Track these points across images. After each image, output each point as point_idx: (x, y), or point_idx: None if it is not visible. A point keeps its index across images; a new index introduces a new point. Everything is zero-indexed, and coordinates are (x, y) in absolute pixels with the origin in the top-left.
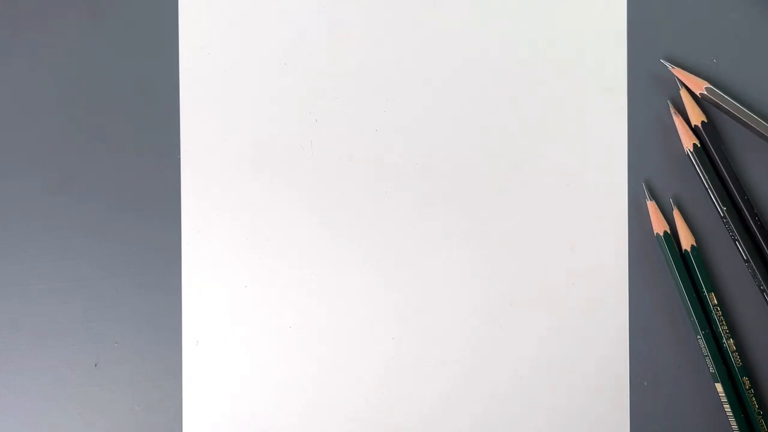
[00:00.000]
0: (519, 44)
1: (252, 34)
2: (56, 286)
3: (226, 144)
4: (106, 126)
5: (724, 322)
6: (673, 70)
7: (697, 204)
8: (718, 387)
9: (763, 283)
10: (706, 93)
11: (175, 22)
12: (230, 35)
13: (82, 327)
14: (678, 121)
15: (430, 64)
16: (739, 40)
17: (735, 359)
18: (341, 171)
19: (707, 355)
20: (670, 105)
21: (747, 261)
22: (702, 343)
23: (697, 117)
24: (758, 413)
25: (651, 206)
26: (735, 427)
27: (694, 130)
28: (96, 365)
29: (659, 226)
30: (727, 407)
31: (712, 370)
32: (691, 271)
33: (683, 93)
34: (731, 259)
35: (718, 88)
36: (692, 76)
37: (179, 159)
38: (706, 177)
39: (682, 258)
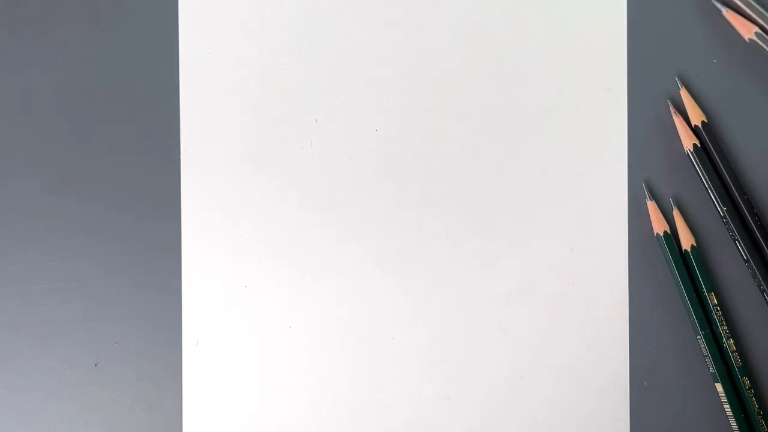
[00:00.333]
0: (519, 44)
1: (252, 34)
2: (56, 286)
3: (226, 144)
4: (106, 126)
5: (724, 322)
6: (727, 15)
7: (697, 204)
8: (718, 387)
9: (763, 283)
10: (755, 38)
11: (175, 22)
12: (230, 35)
13: (82, 327)
14: (678, 121)
15: (430, 64)
16: (738, 40)
17: (735, 359)
18: (341, 171)
19: (707, 355)
20: (670, 105)
21: (747, 261)
22: (702, 343)
23: (697, 117)
24: (758, 413)
25: (651, 206)
26: (735, 427)
27: (694, 130)
28: (96, 365)
29: (659, 226)
30: (727, 407)
31: (712, 370)
32: (691, 271)
33: (683, 93)
34: (731, 259)
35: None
36: (743, 19)
37: (179, 159)
38: (706, 177)
39: (682, 258)
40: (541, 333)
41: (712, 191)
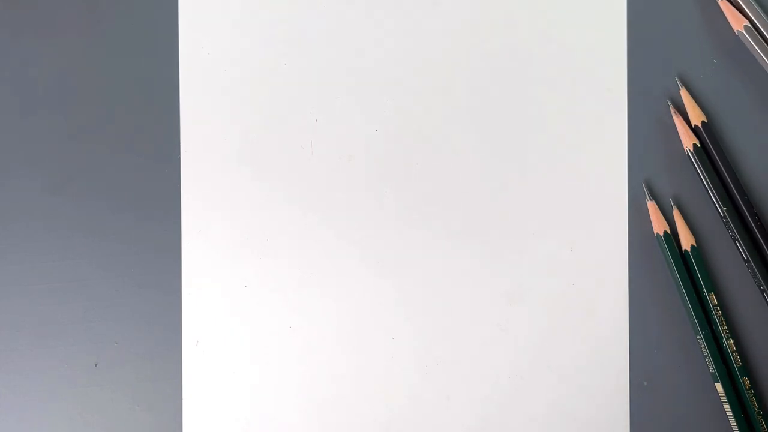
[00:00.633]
0: (519, 44)
1: (252, 34)
2: (56, 286)
3: (226, 144)
4: (106, 126)
5: (724, 322)
6: (721, 3)
7: (697, 204)
8: (718, 387)
9: (763, 283)
10: (743, 31)
11: (175, 22)
12: (230, 35)
13: (82, 327)
14: (678, 121)
15: (430, 64)
16: (738, 42)
17: (735, 359)
18: (341, 171)
19: (707, 355)
20: (670, 105)
21: (747, 261)
22: (702, 343)
23: (697, 117)
24: (758, 413)
25: (651, 206)
26: (735, 427)
27: (694, 130)
28: (96, 365)
29: (659, 226)
30: (727, 407)
31: (712, 370)
32: (691, 271)
33: (683, 93)
34: (731, 259)
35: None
36: (736, 10)
37: (179, 159)
38: (706, 177)
39: (682, 258)
40: (541, 333)
41: (712, 191)
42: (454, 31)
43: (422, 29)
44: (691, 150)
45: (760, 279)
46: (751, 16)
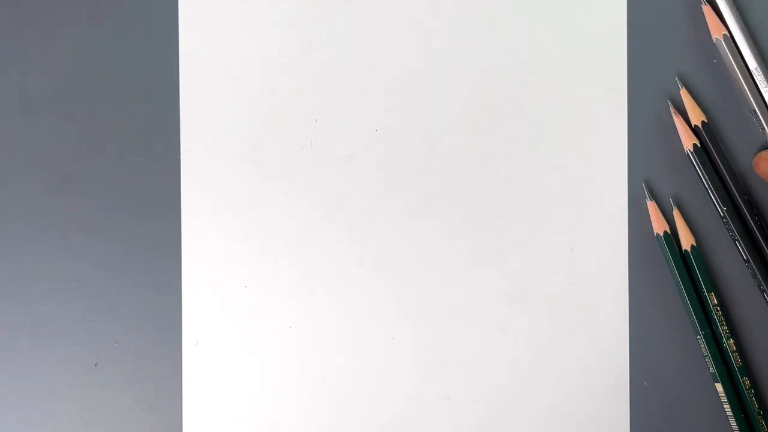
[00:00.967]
0: (519, 44)
1: (252, 34)
2: (56, 286)
3: (226, 144)
4: (106, 126)
5: (724, 322)
6: (704, 8)
7: (697, 204)
8: (718, 387)
9: (763, 283)
10: (721, 40)
11: (175, 22)
12: (230, 35)
13: (82, 327)
14: (678, 121)
15: (430, 64)
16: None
17: (735, 359)
18: (341, 171)
19: (707, 355)
20: (670, 105)
21: (747, 261)
22: (702, 343)
23: (697, 117)
24: (758, 413)
25: (651, 206)
26: (735, 427)
27: (694, 130)
28: (96, 365)
29: (659, 226)
30: (727, 407)
31: (712, 370)
32: (691, 271)
33: (683, 93)
34: (731, 259)
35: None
36: (717, 18)
37: (179, 159)
38: (706, 177)
39: (682, 258)
40: (541, 333)
41: (712, 191)
42: (454, 31)
43: (422, 29)
44: (691, 150)
45: (760, 279)
46: (730, 25)
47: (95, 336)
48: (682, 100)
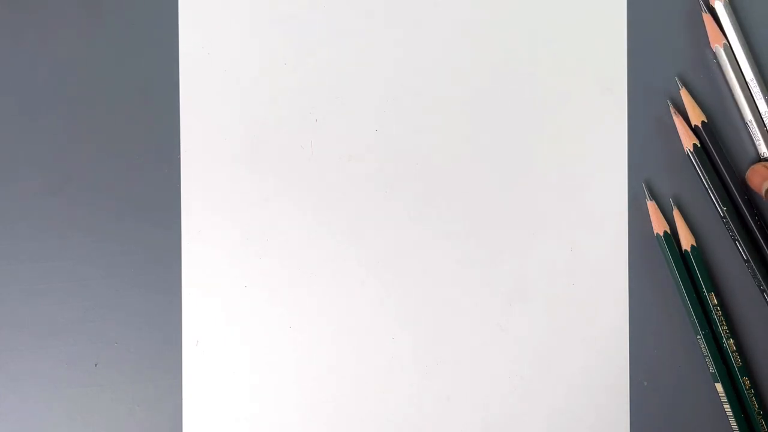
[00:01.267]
0: (519, 44)
1: (252, 34)
2: (56, 286)
3: (226, 144)
4: (106, 126)
5: (724, 322)
6: (704, 16)
7: (697, 204)
8: (718, 387)
9: (763, 283)
10: (721, 49)
11: (175, 22)
12: (230, 35)
13: (82, 327)
14: (678, 121)
15: (430, 64)
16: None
17: (735, 359)
18: (341, 171)
19: (707, 355)
20: (670, 105)
21: (747, 261)
22: (702, 343)
23: (697, 117)
24: (758, 413)
25: (651, 206)
26: (735, 427)
27: (694, 130)
28: (96, 365)
29: (659, 226)
30: (727, 407)
31: (712, 370)
32: (691, 271)
33: (683, 93)
34: (731, 259)
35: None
36: (717, 27)
37: (179, 159)
38: (706, 177)
39: (682, 258)
40: (541, 333)
41: (712, 191)
42: (454, 31)
43: (422, 29)
44: (691, 150)
45: (760, 279)
46: (729, 35)
47: (95, 336)
48: (682, 99)
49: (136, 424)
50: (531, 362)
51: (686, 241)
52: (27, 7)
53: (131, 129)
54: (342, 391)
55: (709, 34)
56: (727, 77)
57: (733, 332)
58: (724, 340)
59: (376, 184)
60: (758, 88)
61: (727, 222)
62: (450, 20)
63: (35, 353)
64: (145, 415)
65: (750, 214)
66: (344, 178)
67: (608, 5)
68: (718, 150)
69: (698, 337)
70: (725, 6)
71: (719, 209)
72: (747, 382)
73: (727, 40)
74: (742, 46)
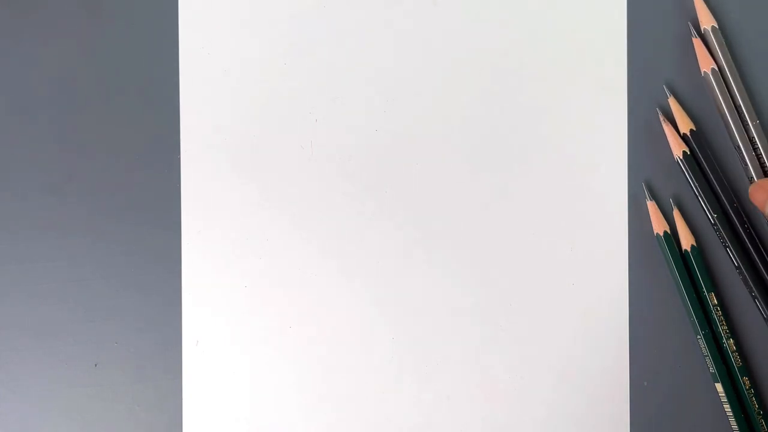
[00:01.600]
0: (519, 44)
1: (252, 34)
2: (56, 286)
3: (226, 144)
4: (106, 126)
5: (724, 322)
6: (694, 41)
7: (697, 204)
8: (718, 387)
9: (754, 290)
10: (709, 74)
11: (175, 22)
12: (230, 35)
13: (82, 327)
14: (667, 128)
15: (430, 64)
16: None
17: (735, 359)
18: (341, 171)
19: (707, 355)
20: (659, 113)
21: (738, 268)
22: (702, 343)
23: (685, 125)
24: (758, 413)
25: (651, 206)
26: (735, 427)
27: (684, 138)
28: (96, 365)
29: (659, 226)
30: (727, 407)
31: (712, 370)
32: (691, 271)
33: (671, 101)
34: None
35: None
36: (706, 52)
37: (179, 159)
38: (696, 184)
39: (682, 258)
40: (541, 333)
41: (702, 198)
42: (454, 31)
43: (422, 29)
44: (681, 158)
45: (752, 286)
46: (718, 61)
47: (95, 336)
48: (670, 107)
49: (136, 424)
50: (531, 362)
51: (686, 241)
52: (27, 7)
53: (131, 129)
54: (342, 391)
55: (698, 59)
56: (716, 102)
57: (733, 332)
58: (724, 340)
59: (375, 184)
60: (747, 114)
61: (718, 229)
62: (450, 20)
63: (35, 353)
64: (145, 415)
65: (739, 222)
66: (344, 178)
67: (608, 5)
68: (707, 157)
69: (698, 337)
70: (714, 31)
71: (710, 217)
72: (747, 382)
73: (717, 65)
74: (731, 71)
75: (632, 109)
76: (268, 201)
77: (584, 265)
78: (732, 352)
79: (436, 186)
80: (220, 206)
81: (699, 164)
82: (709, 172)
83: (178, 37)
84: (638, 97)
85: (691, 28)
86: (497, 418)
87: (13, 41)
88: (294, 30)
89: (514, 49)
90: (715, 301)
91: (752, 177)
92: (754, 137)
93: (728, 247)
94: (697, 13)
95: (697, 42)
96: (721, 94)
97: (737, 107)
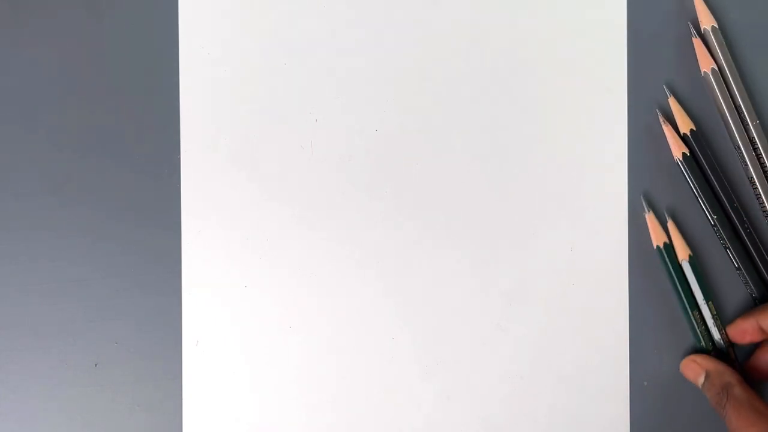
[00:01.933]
0: (519, 44)
1: (252, 35)
2: (56, 286)
3: (226, 144)
4: (106, 126)
5: (723, 330)
6: (694, 40)
7: (696, 209)
8: None
9: (755, 290)
10: (709, 74)
11: (175, 22)
12: (230, 35)
13: (82, 327)
14: (667, 129)
15: (430, 64)
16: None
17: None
18: (341, 171)
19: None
20: (659, 114)
21: (739, 269)
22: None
23: (686, 125)
24: None
25: (649, 218)
26: None
27: (684, 138)
28: (96, 365)
29: (657, 238)
30: None
31: None
32: (689, 283)
33: (671, 101)
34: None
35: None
36: (707, 52)
37: (179, 159)
38: (696, 185)
39: (680, 268)
40: (541, 333)
41: (702, 200)
42: (454, 32)
43: (422, 29)
44: (681, 159)
45: (752, 287)
46: (718, 60)
47: (95, 336)
48: (671, 108)
49: (136, 424)
50: (531, 362)
51: (682, 252)
52: (27, 7)
53: (131, 129)
54: (342, 391)
55: (698, 59)
56: (716, 102)
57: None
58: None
59: (376, 184)
60: (747, 114)
61: (718, 230)
62: (450, 21)
63: (35, 353)
64: (145, 415)
65: (740, 222)
66: (344, 178)
67: (608, 5)
68: (707, 158)
69: (699, 345)
70: (714, 31)
71: (710, 218)
72: None
73: (717, 65)
74: (731, 71)
75: (632, 109)
76: (268, 201)
77: (584, 265)
78: (732, 361)
79: (436, 186)
80: (220, 206)
81: (699, 165)
82: (709, 172)
83: (178, 37)
84: (638, 97)
85: (691, 28)
86: (497, 418)
87: (13, 41)
88: (294, 30)
89: (514, 50)
90: (714, 312)
91: (752, 177)
92: (754, 137)
93: (728, 248)
94: (697, 13)
95: (697, 42)
96: (721, 94)
97: (737, 107)
